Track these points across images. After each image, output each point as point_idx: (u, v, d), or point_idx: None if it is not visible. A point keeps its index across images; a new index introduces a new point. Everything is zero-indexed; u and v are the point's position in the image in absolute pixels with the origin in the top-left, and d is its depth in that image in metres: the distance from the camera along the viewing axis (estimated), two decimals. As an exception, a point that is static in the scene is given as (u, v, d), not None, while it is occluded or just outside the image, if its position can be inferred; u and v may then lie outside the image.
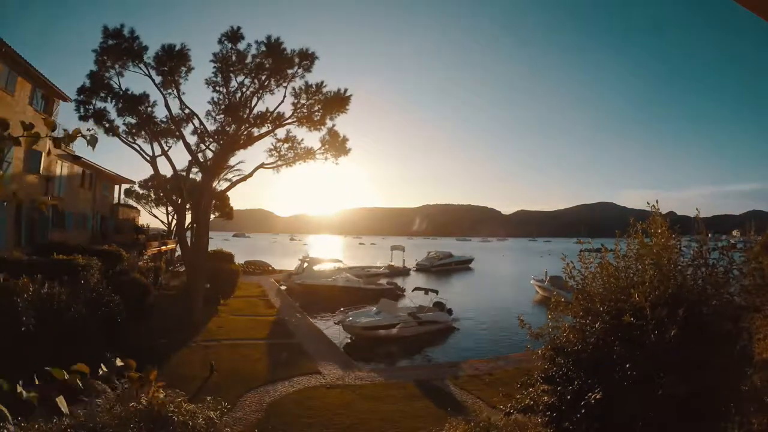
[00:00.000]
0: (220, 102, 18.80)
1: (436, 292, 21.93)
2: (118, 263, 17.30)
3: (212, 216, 26.07)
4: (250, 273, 35.80)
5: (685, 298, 4.35)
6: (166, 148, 19.90)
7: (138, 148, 18.93)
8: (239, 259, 31.98)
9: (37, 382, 1.47)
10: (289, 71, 17.97)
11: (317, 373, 11.73)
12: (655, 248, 4.69)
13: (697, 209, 4.82)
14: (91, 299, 11.11)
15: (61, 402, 1.47)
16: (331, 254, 55.31)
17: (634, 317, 4.25)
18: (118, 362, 1.74)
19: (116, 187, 32.54)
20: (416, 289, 23.29)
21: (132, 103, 18.06)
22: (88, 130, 1.63)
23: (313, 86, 18.21)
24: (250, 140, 19.10)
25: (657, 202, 5.04)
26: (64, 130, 1.59)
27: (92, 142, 1.61)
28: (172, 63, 17.41)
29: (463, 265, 56.89)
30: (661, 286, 4.44)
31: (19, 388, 1.38)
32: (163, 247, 32.70)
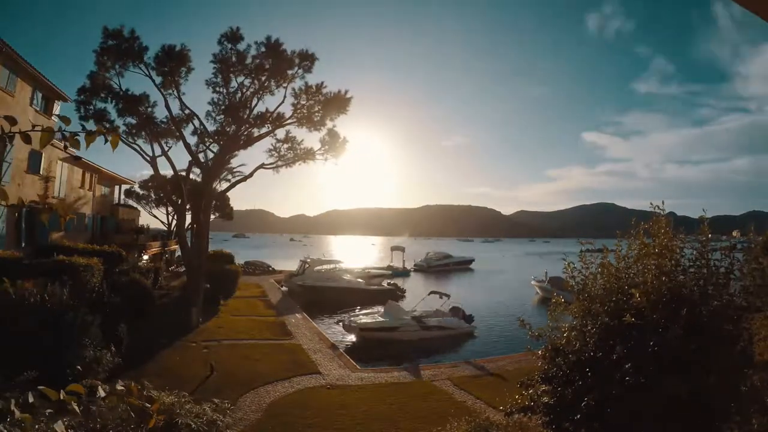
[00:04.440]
0: (220, 102, 18.80)
1: (448, 296, 21.54)
2: (118, 264, 17.32)
3: (212, 216, 26.05)
4: (250, 273, 35.78)
5: (686, 298, 4.35)
6: (166, 149, 19.89)
7: (138, 149, 18.92)
8: (239, 260, 31.99)
9: (31, 400, 1.38)
10: (289, 72, 17.97)
11: (317, 374, 11.73)
12: (657, 248, 4.69)
13: (703, 210, 4.81)
14: (91, 300, 11.12)
15: (60, 426, 1.39)
16: (332, 255, 55.31)
17: (634, 317, 4.25)
18: (119, 386, 1.64)
19: (116, 187, 32.55)
20: (432, 293, 22.70)
21: (132, 104, 18.04)
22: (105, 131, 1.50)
23: (313, 87, 18.21)
24: (250, 141, 19.10)
25: (662, 202, 5.02)
26: (82, 125, 1.49)
27: (114, 141, 1.49)
28: (172, 64, 17.40)
29: (462, 266, 56.77)
30: (662, 286, 4.44)
31: (13, 407, 1.31)
32: (164, 248, 32.71)
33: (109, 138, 1.50)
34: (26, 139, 1.38)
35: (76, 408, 1.37)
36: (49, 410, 1.35)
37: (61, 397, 1.34)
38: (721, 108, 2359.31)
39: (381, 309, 19.09)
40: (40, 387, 1.37)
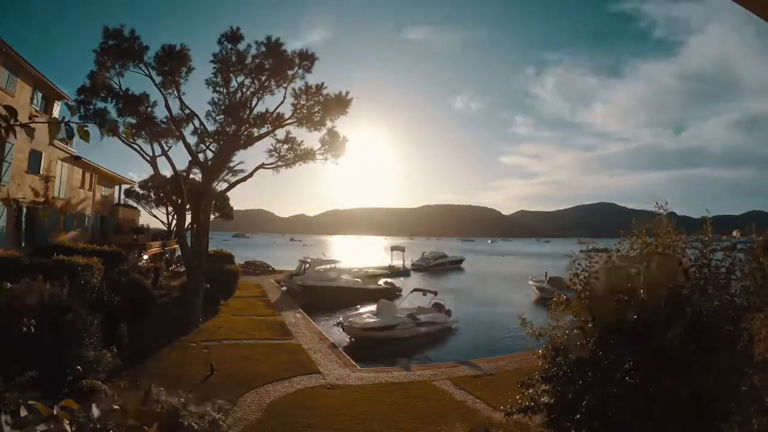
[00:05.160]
0: (220, 102, 18.77)
1: (435, 293, 21.94)
2: (118, 264, 17.31)
3: (212, 216, 26.04)
4: (250, 273, 35.77)
5: (687, 298, 4.35)
6: (166, 149, 19.85)
7: (138, 149, 18.88)
8: (239, 260, 32.00)
9: (23, 414, 1.36)
10: (290, 72, 17.94)
11: (317, 374, 11.74)
12: (659, 248, 4.68)
13: (707, 210, 4.80)
14: (91, 299, 11.12)
15: None
16: (332, 255, 55.41)
17: (635, 317, 4.25)
18: (115, 405, 1.62)
19: (116, 187, 32.54)
20: (415, 290, 23.30)
21: (132, 104, 18.01)
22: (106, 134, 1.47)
23: (313, 87, 18.19)
24: (250, 141, 19.08)
25: (666, 203, 5.01)
26: (98, 116, 1.44)
27: (128, 133, 1.48)
28: (172, 63, 17.37)
29: (455, 265, 58.12)
30: (663, 286, 4.44)
31: (2, 422, 1.29)
32: (164, 248, 32.70)
33: (123, 128, 1.47)
34: (29, 132, 1.35)
35: (68, 428, 1.34)
36: (42, 424, 1.31)
37: (54, 413, 1.32)
38: (599, 140, 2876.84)
39: (372, 308, 19.30)
40: (31, 402, 1.35)
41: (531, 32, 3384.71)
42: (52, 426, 1.32)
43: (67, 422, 1.36)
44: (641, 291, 4.41)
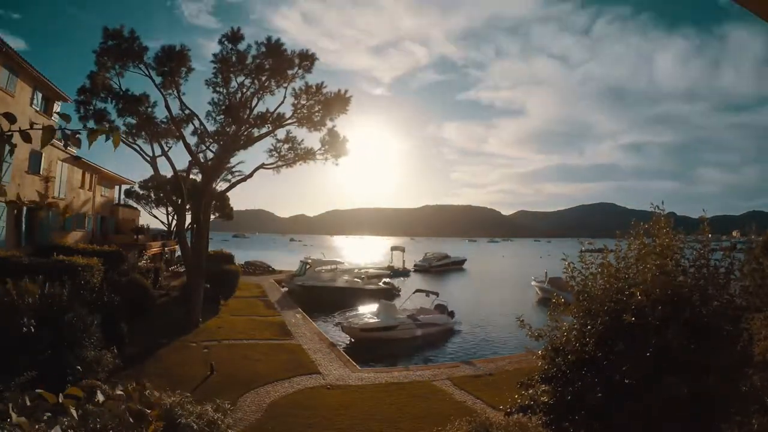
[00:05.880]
0: (220, 102, 18.77)
1: (437, 294, 21.90)
2: (118, 264, 17.31)
3: (212, 216, 26.04)
4: (250, 273, 35.76)
5: (686, 298, 4.35)
6: (166, 149, 19.87)
7: (138, 149, 18.91)
8: (239, 260, 32.00)
9: (28, 403, 1.36)
10: (290, 72, 17.94)
11: (317, 374, 11.73)
12: (657, 248, 4.68)
13: (703, 210, 4.80)
14: (91, 299, 11.11)
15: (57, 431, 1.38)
16: (332, 255, 55.45)
17: (634, 317, 4.25)
18: (118, 390, 1.64)
19: (116, 187, 32.55)
20: (417, 291, 23.22)
21: (132, 104, 18.02)
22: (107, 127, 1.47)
23: (314, 87, 18.19)
24: (250, 141, 19.08)
25: (662, 202, 5.01)
26: (84, 125, 1.44)
27: (116, 140, 1.46)
28: (172, 64, 17.37)
29: (458, 266, 58.03)
30: (663, 286, 4.43)
31: (11, 410, 1.29)
32: (164, 248, 32.70)
33: (112, 136, 1.48)
34: (25, 137, 1.36)
35: (74, 413, 1.35)
36: (47, 413, 1.32)
37: (60, 401, 1.33)
38: (515, 161, 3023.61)
39: (374, 309, 19.25)
40: (38, 390, 1.36)
41: (427, 112, 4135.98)
42: (66, 422, 1.34)
43: (73, 408, 1.37)
44: (639, 291, 4.41)
